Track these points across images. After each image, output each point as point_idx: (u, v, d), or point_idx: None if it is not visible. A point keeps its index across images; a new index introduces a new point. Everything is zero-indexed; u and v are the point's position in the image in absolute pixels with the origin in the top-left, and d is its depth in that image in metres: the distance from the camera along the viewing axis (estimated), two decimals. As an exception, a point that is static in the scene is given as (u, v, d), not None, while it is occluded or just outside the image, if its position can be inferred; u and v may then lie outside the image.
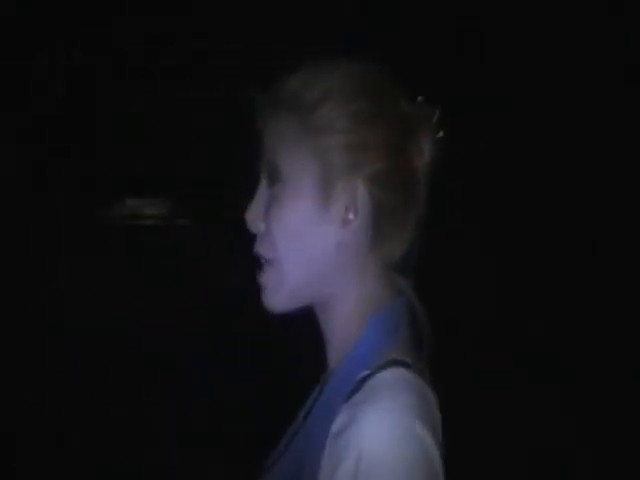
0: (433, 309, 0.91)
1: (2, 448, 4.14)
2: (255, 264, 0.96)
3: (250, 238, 0.96)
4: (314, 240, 0.87)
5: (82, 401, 5.00)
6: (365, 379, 0.82)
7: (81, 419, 4.75)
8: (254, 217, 0.92)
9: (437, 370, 0.89)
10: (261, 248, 0.92)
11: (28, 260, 6.10)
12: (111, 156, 7.48)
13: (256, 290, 0.89)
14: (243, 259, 1.04)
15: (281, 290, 0.90)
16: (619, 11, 7.23)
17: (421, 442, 0.77)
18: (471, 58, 8.41)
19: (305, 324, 1.00)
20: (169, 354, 5.58)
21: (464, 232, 8.29)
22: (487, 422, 4.53)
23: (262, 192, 0.91)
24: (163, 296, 6.64)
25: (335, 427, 0.81)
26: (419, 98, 0.92)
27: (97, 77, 9.77)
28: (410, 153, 0.89)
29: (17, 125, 6.65)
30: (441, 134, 0.92)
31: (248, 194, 0.96)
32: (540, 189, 8.09)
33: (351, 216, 0.86)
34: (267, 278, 0.91)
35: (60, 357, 5.38)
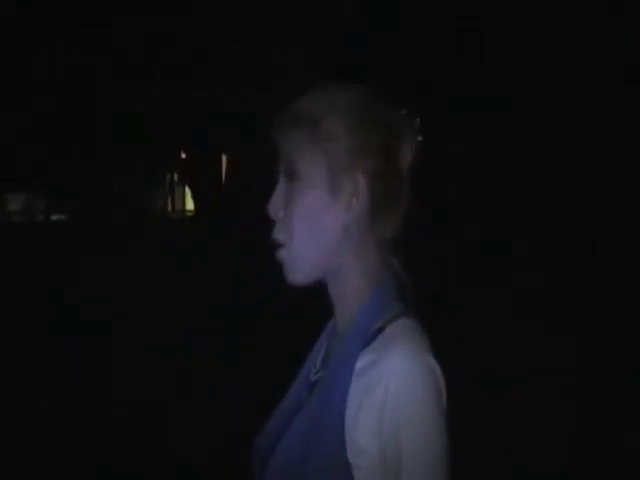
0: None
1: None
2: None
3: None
4: (325, 222, 1.09)
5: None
6: (379, 330, 1.06)
7: (85, 411, 4.78)
8: (276, 207, 1.12)
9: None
10: (279, 233, 1.11)
11: None
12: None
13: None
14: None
15: (299, 266, 1.10)
16: (619, 11, 7.24)
17: (434, 374, 1.02)
18: (471, 58, 8.43)
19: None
20: None
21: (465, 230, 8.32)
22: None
23: (281, 188, 1.12)
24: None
25: (359, 367, 1.03)
26: (403, 110, 1.14)
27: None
28: (396, 154, 1.11)
29: None
30: (420, 139, 1.14)
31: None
32: (539, 186, 8.10)
33: (354, 202, 1.08)
34: (284, 257, 1.11)
35: None
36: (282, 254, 1.11)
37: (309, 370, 1.18)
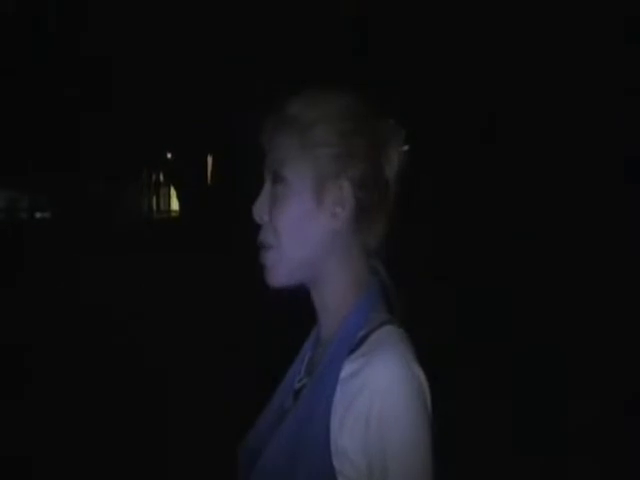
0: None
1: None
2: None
3: None
4: (310, 228, 1.09)
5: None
6: (365, 337, 1.06)
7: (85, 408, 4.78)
8: (260, 210, 1.12)
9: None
10: (265, 236, 1.11)
11: None
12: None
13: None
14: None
15: (281, 269, 1.10)
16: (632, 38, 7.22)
17: (418, 379, 1.02)
18: (470, 59, 8.43)
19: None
20: None
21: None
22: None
23: (266, 191, 1.12)
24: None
25: (344, 374, 1.04)
26: (390, 120, 1.14)
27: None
28: (382, 162, 1.12)
29: None
30: (405, 148, 1.14)
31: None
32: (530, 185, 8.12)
33: (339, 210, 1.09)
34: (268, 259, 1.11)
35: None
36: (269, 256, 1.11)
37: (293, 377, 1.19)
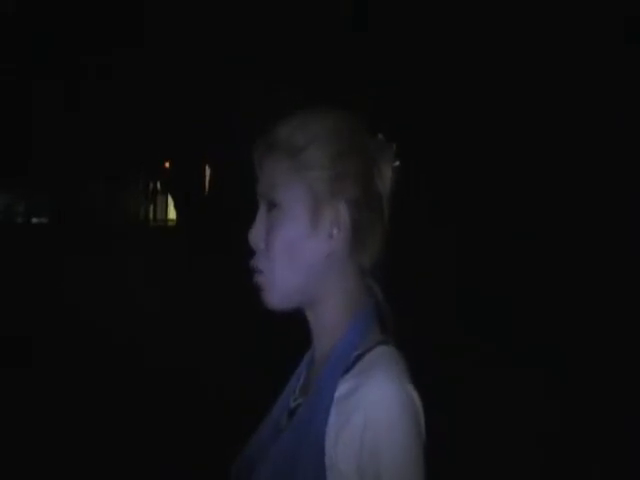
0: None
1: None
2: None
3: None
4: (306, 251, 1.08)
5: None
6: (359, 357, 1.05)
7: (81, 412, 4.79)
8: (256, 237, 1.11)
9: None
10: (259, 262, 1.10)
11: None
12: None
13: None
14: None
15: (275, 293, 1.09)
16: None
17: (412, 400, 1.01)
18: (468, 57, 8.42)
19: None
20: None
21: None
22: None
23: (262, 216, 1.12)
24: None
25: (338, 394, 1.03)
26: (380, 135, 1.13)
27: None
28: (375, 180, 1.12)
29: None
30: (397, 164, 1.14)
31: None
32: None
33: (335, 231, 1.08)
34: (261, 282, 1.10)
35: None
36: (261, 281, 1.10)
37: (288, 397, 1.18)
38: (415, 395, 1.02)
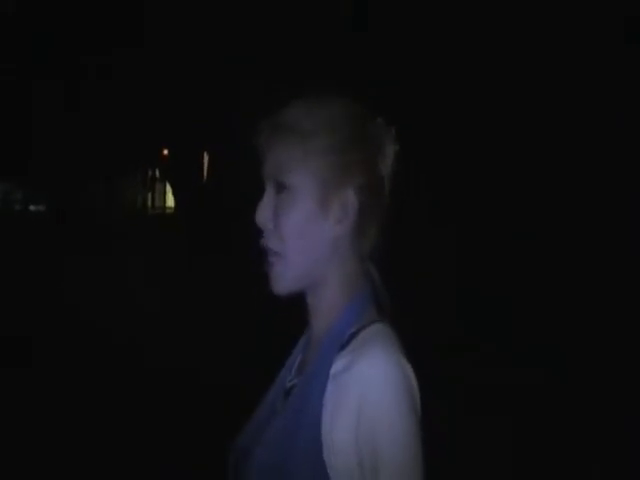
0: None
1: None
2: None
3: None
4: (315, 235, 1.10)
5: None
6: (354, 334, 1.08)
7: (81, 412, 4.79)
8: (264, 218, 1.12)
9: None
10: (270, 242, 1.11)
11: None
12: None
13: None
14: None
15: (288, 276, 1.11)
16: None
17: (407, 375, 1.03)
18: (467, 57, 8.42)
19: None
20: None
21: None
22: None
23: (269, 198, 1.12)
24: None
25: (334, 370, 1.05)
26: (379, 119, 1.14)
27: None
28: (379, 165, 1.14)
29: None
30: (397, 147, 1.15)
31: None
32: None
33: (343, 217, 1.10)
34: (275, 267, 1.11)
35: None
36: (276, 263, 1.11)
37: (284, 378, 1.20)
38: (410, 370, 1.04)
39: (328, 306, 1.13)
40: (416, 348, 1.10)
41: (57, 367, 5.81)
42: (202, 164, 12.14)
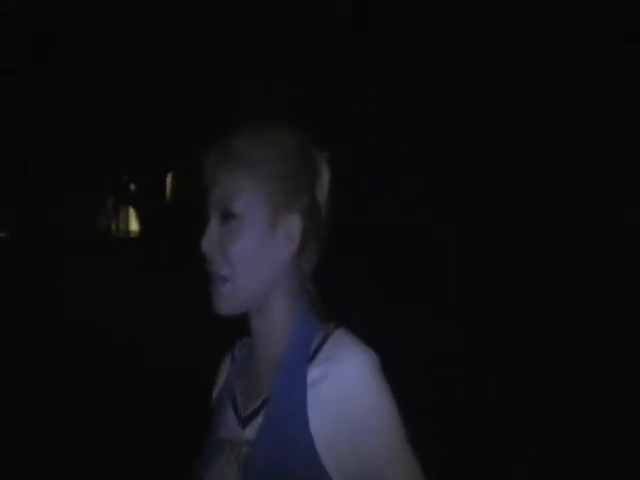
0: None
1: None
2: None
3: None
4: (263, 259, 1.14)
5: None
6: (323, 342, 1.12)
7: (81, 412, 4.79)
8: (210, 246, 1.15)
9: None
10: (218, 268, 1.14)
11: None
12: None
13: None
14: None
15: (236, 300, 1.15)
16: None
17: (381, 373, 1.09)
18: (466, 57, 8.42)
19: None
20: None
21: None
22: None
23: (215, 226, 1.15)
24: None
25: (311, 379, 1.09)
26: (314, 148, 1.19)
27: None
28: (318, 191, 1.19)
29: None
30: (331, 174, 1.21)
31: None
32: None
33: (289, 241, 1.15)
34: (224, 291, 1.14)
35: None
36: (224, 288, 1.14)
37: (235, 408, 1.21)
38: (379, 367, 1.10)
39: (277, 325, 1.17)
40: (416, 348, 1.12)
41: (57, 367, 5.82)
42: (165, 187, 12.06)
